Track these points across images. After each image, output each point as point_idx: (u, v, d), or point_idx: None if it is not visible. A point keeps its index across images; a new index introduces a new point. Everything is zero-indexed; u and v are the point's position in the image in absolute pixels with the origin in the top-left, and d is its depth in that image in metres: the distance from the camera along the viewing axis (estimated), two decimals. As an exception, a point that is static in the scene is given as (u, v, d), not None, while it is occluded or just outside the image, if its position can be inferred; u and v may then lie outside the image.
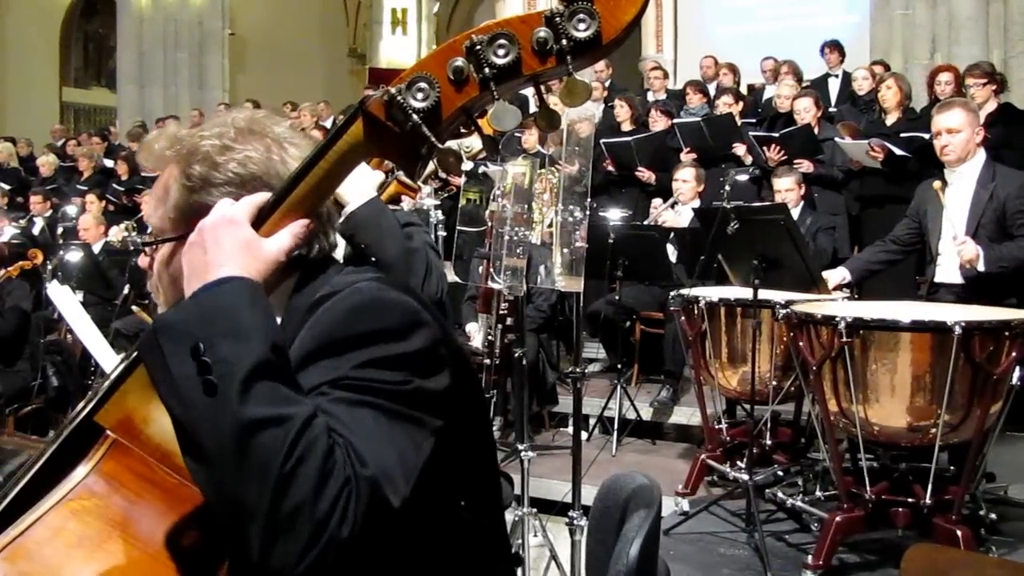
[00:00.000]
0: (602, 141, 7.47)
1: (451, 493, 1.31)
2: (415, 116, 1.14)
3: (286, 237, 1.23)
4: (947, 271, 4.44)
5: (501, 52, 1.13)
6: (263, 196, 1.25)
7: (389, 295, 1.23)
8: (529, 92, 1.20)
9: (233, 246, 1.19)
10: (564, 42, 1.12)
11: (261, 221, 1.23)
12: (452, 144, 1.21)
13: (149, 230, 1.40)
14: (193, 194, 1.31)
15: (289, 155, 1.34)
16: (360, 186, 2.31)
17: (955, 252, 4.32)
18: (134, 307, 5.40)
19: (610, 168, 7.77)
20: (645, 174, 7.56)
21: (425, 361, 1.20)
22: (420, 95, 1.14)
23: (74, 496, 1.17)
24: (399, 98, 1.14)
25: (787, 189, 5.78)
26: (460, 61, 1.14)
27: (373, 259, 2.06)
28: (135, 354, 1.20)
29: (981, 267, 4.15)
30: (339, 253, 1.53)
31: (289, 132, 1.39)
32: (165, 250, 1.38)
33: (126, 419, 1.22)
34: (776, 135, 6.91)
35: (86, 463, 1.19)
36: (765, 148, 6.93)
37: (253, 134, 1.34)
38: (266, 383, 1.06)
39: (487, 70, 1.13)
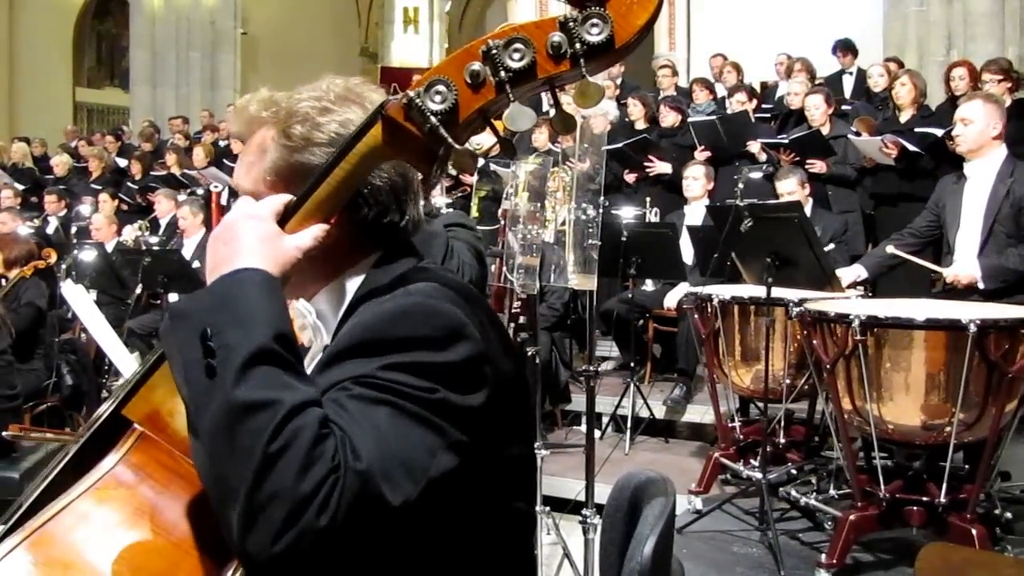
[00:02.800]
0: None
1: (485, 517, 1.29)
2: (433, 118, 1.15)
3: (307, 237, 1.24)
4: (962, 267, 4.41)
5: (516, 56, 1.14)
6: (287, 196, 1.27)
7: (436, 304, 1.22)
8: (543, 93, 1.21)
9: (253, 240, 1.21)
10: (578, 46, 1.13)
11: (283, 222, 1.25)
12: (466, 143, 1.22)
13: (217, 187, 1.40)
14: (295, 154, 1.32)
15: None
16: None
17: (969, 249, 4.31)
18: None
19: (628, 179, 7.74)
20: (656, 165, 7.47)
21: (459, 375, 1.18)
22: (438, 98, 1.15)
23: (102, 485, 1.20)
24: (417, 101, 1.15)
25: (789, 192, 5.50)
26: (477, 65, 1.16)
27: None
28: (162, 349, 1.22)
29: (982, 285, 4.12)
30: None
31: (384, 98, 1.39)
32: None
33: (153, 412, 1.26)
34: (786, 141, 6.83)
35: (114, 453, 1.23)
36: (774, 152, 6.89)
37: (350, 100, 1.34)
38: (264, 369, 1.07)
39: (503, 73, 1.15)
